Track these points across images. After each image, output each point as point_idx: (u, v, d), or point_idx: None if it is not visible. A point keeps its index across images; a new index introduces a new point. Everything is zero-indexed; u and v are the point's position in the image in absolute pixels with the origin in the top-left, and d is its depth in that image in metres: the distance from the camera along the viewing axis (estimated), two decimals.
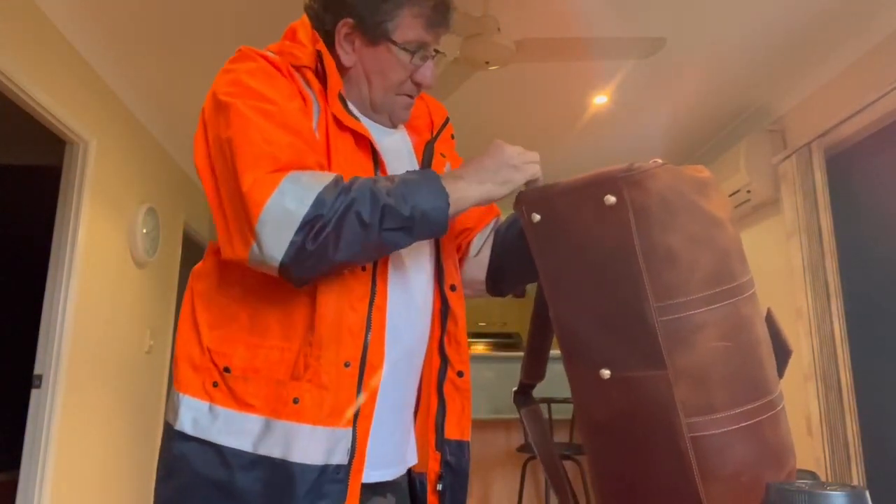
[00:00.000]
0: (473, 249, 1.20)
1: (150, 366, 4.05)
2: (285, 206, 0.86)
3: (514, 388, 1.08)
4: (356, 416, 0.92)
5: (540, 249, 0.89)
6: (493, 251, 1.19)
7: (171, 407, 0.97)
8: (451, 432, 1.07)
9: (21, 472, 2.78)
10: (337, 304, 0.94)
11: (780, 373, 0.85)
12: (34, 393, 2.84)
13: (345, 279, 0.95)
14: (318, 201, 0.87)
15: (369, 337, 0.95)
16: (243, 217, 0.88)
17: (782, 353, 0.85)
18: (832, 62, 3.11)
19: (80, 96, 3.04)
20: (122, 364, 3.61)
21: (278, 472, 0.89)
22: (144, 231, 3.77)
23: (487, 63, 2.50)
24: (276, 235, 0.86)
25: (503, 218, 1.23)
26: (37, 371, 2.85)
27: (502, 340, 7.33)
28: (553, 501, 3.44)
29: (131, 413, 3.77)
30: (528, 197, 0.91)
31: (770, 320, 0.86)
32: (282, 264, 0.87)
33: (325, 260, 0.88)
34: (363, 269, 0.96)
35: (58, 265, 2.97)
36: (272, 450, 0.90)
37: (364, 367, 0.94)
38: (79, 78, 3.03)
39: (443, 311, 1.09)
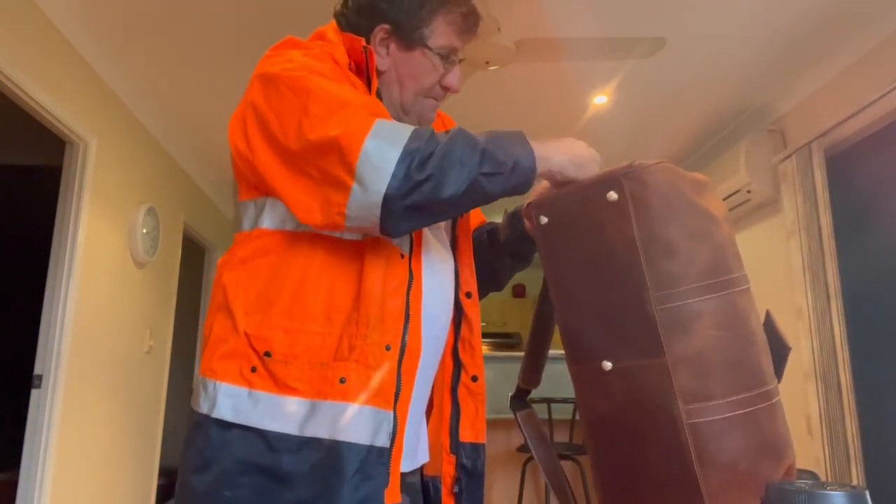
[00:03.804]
0: None
1: (150, 366, 4.05)
2: (383, 140, 0.87)
3: (511, 394, 1.09)
4: (396, 399, 0.94)
5: (546, 250, 0.92)
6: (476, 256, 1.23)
7: (206, 396, 0.95)
8: (466, 435, 1.09)
9: (21, 472, 2.79)
10: (381, 286, 0.95)
11: (780, 370, 0.86)
12: (34, 393, 2.84)
13: (387, 264, 0.96)
14: (416, 136, 0.89)
15: (409, 323, 0.97)
16: (337, 161, 0.88)
17: (781, 350, 0.87)
18: (832, 62, 3.11)
19: (80, 96, 3.04)
20: (122, 364, 3.62)
21: (326, 453, 0.89)
22: (144, 231, 3.77)
23: (487, 63, 2.51)
24: (377, 169, 0.86)
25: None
26: (37, 371, 2.85)
27: (502, 340, 7.33)
28: (553, 501, 3.44)
29: (131, 413, 3.77)
30: (537, 201, 0.95)
31: (769, 320, 0.88)
32: (386, 197, 0.86)
33: (431, 195, 0.87)
34: (402, 255, 0.98)
35: (58, 265, 2.97)
36: (319, 431, 0.90)
37: (404, 351, 0.95)
38: (79, 78, 3.03)
39: (457, 318, 1.11)
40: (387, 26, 1.08)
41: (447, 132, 0.92)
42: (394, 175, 0.86)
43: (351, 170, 0.87)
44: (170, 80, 3.37)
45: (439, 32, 1.09)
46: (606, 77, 3.33)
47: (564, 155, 0.95)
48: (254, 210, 1.01)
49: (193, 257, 5.27)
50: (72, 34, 2.89)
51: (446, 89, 1.13)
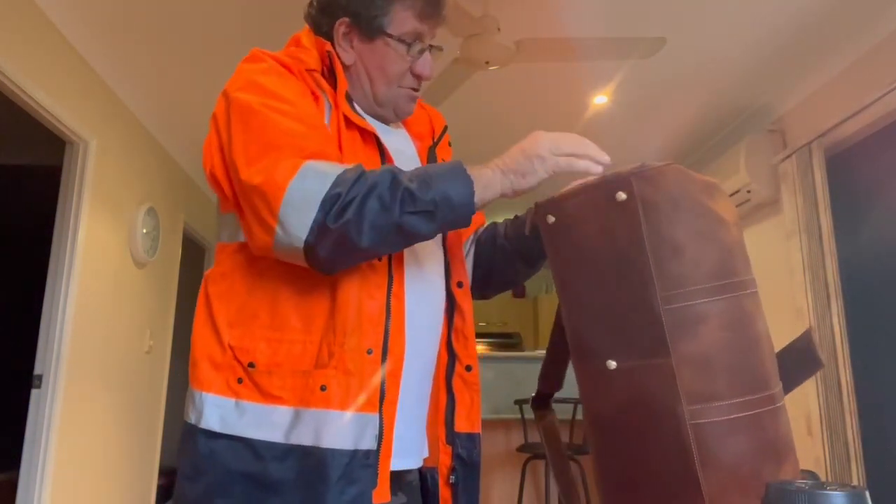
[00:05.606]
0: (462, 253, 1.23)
1: (150, 366, 4.05)
2: (306, 187, 0.88)
3: (532, 395, 1.10)
4: (381, 401, 0.94)
5: (553, 248, 0.92)
6: (477, 257, 1.23)
7: (194, 407, 0.97)
8: (461, 425, 1.09)
9: (21, 472, 2.79)
10: (357, 292, 0.95)
11: (798, 382, 0.87)
12: (34, 393, 2.84)
13: (363, 269, 0.97)
14: (339, 181, 0.89)
15: (389, 325, 0.97)
16: (264, 205, 0.89)
17: (813, 364, 0.88)
18: (832, 62, 3.11)
19: (80, 96, 3.04)
20: (122, 364, 3.62)
21: (310, 460, 0.90)
22: (144, 231, 3.77)
23: (487, 63, 2.51)
24: (298, 215, 0.88)
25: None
26: (37, 371, 2.85)
27: (502, 340, 7.34)
28: (553, 502, 3.44)
29: (131, 413, 3.77)
30: (544, 201, 0.95)
31: (807, 336, 0.89)
32: (306, 244, 0.88)
33: (349, 243, 0.88)
34: (379, 259, 0.98)
35: (58, 265, 2.97)
36: (303, 438, 0.91)
37: (386, 353, 0.96)
38: (79, 78, 3.03)
39: (449, 308, 1.11)
40: (346, 19, 1.09)
41: (375, 172, 0.91)
42: (314, 221, 0.87)
43: (274, 214, 0.89)
44: (170, 81, 3.36)
45: (398, 19, 1.08)
46: (606, 77, 3.33)
47: (508, 173, 0.95)
48: (233, 222, 1.02)
49: (193, 257, 5.27)
50: (72, 34, 2.89)
51: (418, 77, 1.13)
